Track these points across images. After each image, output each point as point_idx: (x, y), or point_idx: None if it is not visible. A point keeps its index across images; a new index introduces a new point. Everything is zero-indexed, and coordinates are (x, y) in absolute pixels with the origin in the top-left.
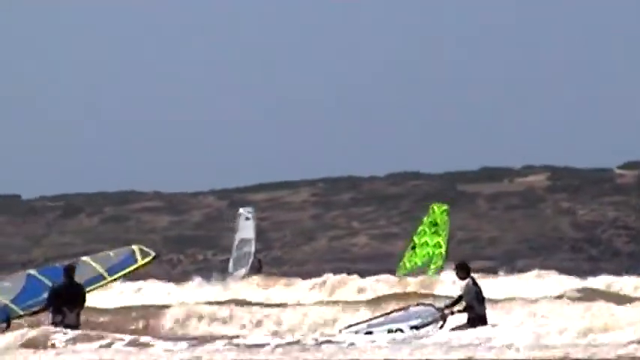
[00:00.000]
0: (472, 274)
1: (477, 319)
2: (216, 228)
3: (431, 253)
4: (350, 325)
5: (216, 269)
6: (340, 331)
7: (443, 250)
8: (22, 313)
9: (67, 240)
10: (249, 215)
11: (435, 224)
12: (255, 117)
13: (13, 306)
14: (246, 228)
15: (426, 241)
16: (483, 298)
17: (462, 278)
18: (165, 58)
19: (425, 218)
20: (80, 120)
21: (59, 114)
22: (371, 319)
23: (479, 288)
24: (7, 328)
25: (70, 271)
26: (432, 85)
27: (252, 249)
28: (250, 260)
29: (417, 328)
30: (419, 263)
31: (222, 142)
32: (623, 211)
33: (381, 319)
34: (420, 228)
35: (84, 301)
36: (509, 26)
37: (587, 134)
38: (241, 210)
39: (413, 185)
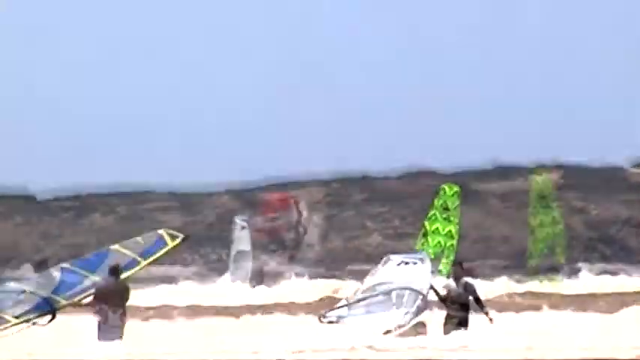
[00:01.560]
0: (465, 277)
1: (459, 321)
2: (229, 228)
3: (442, 243)
4: (331, 310)
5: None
6: (320, 318)
7: (455, 241)
8: (65, 302)
9: (81, 240)
10: (245, 224)
11: (447, 209)
12: (267, 117)
13: (55, 297)
14: (241, 239)
15: (438, 228)
16: (469, 302)
17: (456, 279)
18: (186, 59)
19: (435, 200)
20: (94, 119)
21: (72, 113)
22: (350, 302)
23: (470, 292)
24: (53, 319)
25: (115, 271)
26: (445, 82)
27: (249, 263)
28: (248, 273)
29: (403, 326)
30: (431, 255)
31: (236, 141)
32: (637, 210)
33: (362, 303)
34: (431, 212)
35: (126, 300)
36: (519, 21)
37: (600, 132)
38: (236, 219)
39: (426, 184)
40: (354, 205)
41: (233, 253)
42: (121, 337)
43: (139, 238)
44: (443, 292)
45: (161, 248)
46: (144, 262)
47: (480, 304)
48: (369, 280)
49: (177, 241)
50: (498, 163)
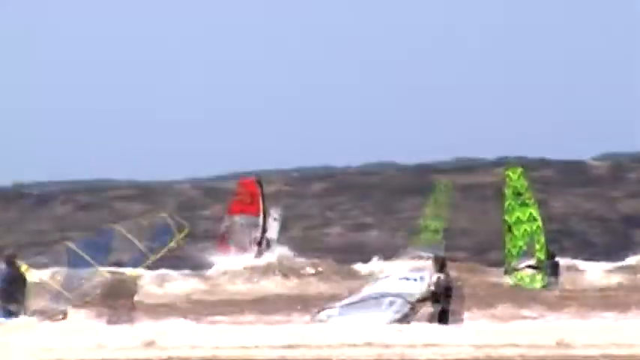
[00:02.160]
0: (446, 269)
1: (440, 314)
2: (190, 217)
3: (529, 229)
4: (321, 310)
5: (190, 258)
6: (312, 317)
7: (539, 222)
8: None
9: (42, 227)
10: (277, 216)
11: (519, 193)
12: (229, 107)
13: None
14: (272, 228)
15: (519, 217)
16: (450, 295)
17: (437, 271)
18: (140, 47)
19: (505, 190)
20: (54, 108)
21: (35, 102)
22: (342, 304)
23: (450, 285)
24: (65, 317)
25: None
26: (407, 75)
27: (273, 246)
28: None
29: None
30: (523, 246)
31: (197, 131)
32: (597, 203)
33: (353, 306)
34: (507, 203)
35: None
36: (490, 19)
37: (562, 126)
38: (271, 210)
39: (387, 176)
40: (315, 196)
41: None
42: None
43: (143, 221)
44: (432, 288)
45: (167, 239)
46: (152, 257)
47: (428, 299)
48: (366, 289)
49: (184, 233)
50: (459, 156)
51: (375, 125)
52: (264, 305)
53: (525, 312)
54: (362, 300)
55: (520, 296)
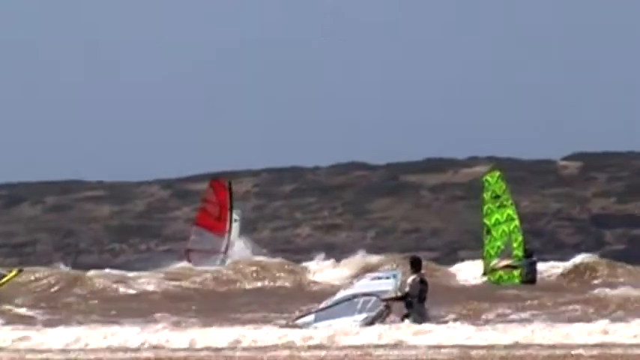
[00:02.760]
0: (422, 271)
1: (413, 316)
2: (159, 217)
3: (506, 229)
4: (298, 317)
5: (158, 259)
6: (289, 323)
7: (517, 222)
8: None
9: (10, 229)
10: (237, 218)
11: (497, 196)
12: (197, 108)
13: None
14: (234, 230)
15: (497, 219)
16: (425, 297)
17: (413, 273)
18: (112, 44)
19: (484, 195)
20: (23, 109)
21: (3, 104)
22: (318, 310)
23: (425, 286)
24: None
25: None
26: (376, 76)
27: (230, 252)
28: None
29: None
30: (501, 246)
31: (166, 132)
32: (566, 203)
33: (328, 311)
34: (486, 207)
35: None
36: (461, 16)
37: (531, 126)
38: (233, 212)
39: (356, 176)
40: (284, 196)
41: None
42: None
43: None
44: (406, 289)
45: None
46: None
47: (401, 299)
48: (341, 292)
49: (14, 273)
50: (429, 156)
51: (344, 125)
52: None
53: (497, 311)
54: (336, 303)
55: (492, 295)
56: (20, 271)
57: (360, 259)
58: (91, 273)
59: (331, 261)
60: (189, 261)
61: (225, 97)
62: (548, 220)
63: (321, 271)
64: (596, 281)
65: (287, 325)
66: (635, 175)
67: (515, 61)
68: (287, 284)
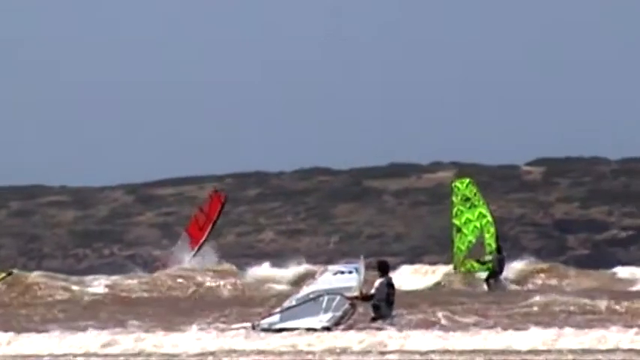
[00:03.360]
0: (389, 275)
1: (381, 319)
2: (122, 222)
3: (479, 225)
4: (263, 318)
5: (122, 264)
6: (254, 326)
7: (489, 217)
8: None
9: None
10: None
11: (467, 199)
12: (161, 112)
13: None
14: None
15: (468, 218)
16: (393, 301)
17: (380, 276)
18: (71, 49)
19: (453, 198)
20: None
21: None
22: (282, 310)
23: (392, 290)
24: None
25: None
26: (340, 81)
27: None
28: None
29: (328, 329)
30: (473, 240)
31: (129, 137)
32: (530, 208)
33: (293, 310)
34: (455, 209)
35: None
36: (418, 24)
37: (495, 131)
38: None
39: (320, 181)
40: (248, 201)
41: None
42: None
43: None
44: (372, 291)
45: None
46: None
47: (366, 299)
48: (304, 289)
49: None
50: (393, 161)
51: (308, 130)
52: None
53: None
54: (301, 302)
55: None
56: (10, 273)
57: (296, 267)
58: (34, 274)
59: (273, 268)
60: (164, 266)
61: (188, 102)
62: (511, 226)
63: (263, 277)
64: (532, 286)
65: (252, 327)
66: (597, 181)
67: (479, 66)
68: (225, 290)
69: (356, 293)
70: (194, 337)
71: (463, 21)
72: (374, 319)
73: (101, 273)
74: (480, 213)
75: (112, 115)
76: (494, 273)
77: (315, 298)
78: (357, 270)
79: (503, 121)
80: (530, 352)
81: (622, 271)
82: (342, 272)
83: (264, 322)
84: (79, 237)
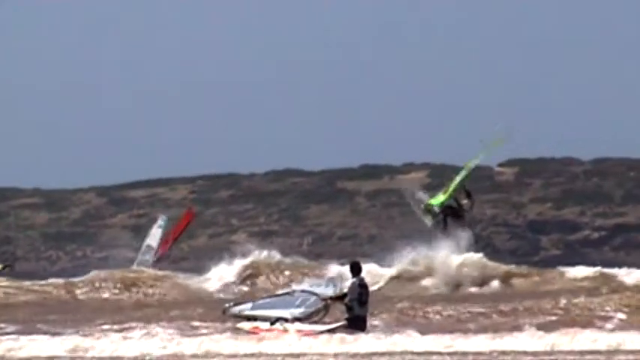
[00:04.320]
0: (362, 275)
1: (355, 320)
2: (95, 225)
3: (448, 190)
4: (235, 304)
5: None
6: (224, 311)
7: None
8: None
9: None
10: (162, 223)
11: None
12: (132, 114)
13: None
14: (154, 235)
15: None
16: (366, 301)
17: (353, 276)
18: (43, 55)
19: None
20: None
21: None
22: (255, 300)
23: (364, 290)
24: None
25: None
26: (313, 83)
27: (151, 258)
28: (149, 266)
29: (299, 320)
30: (444, 201)
31: (102, 139)
32: (503, 209)
33: (266, 301)
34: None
35: None
36: (387, 26)
37: (467, 131)
38: (159, 217)
39: (292, 182)
40: (220, 203)
41: (144, 245)
42: None
43: None
44: (344, 291)
45: None
46: None
47: (340, 299)
48: (280, 291)
49: None
50: (365, 162)
51: (280, 131)
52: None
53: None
54: (275, 296)
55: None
56: (6, 266)
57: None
58: None
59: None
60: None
61: (160, 104)
62: (484, 226)
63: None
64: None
65: (223, 312)
66: (570, 181)
67: (450, 67)
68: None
69: (331, 295)
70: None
71: (437, 21)
72: (348, 320)
73: (76, 276)
74: (445, 190)
75: (85, 117)
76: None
77: (290, 293)
78: (334, 284)
79: (476, 122)
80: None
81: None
82: (320, 285)
83: (235, 309)
84: (52, 239)
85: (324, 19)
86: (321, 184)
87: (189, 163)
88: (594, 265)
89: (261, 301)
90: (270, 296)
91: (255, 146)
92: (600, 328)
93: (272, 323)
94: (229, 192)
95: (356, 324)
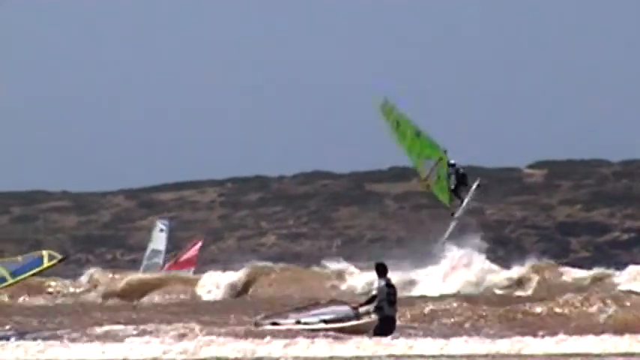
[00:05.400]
0: (388, 276)
1: (385, 320)
2: (124, 227)
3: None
4: (266, 317)
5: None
6: (256, 324)
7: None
8: None
9: None
10: (164, 227)
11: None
12: (162, 117)
13: None
14: (159, 239)
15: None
16: (395, 301)
17: (380, 277)
18: (76, 58)
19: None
20: None
21: None
22: (286, 312)
23: (392, 290)
24: None
25: None
26: (337, 86)
27: (160, 261)
28: (158, 269)
29: (325, 322)
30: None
31: (132, 142)
32: (532, 211)
33: (295, 313)
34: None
35: None
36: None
37: (496, 133)
38: (158, 221)
39: (321, 185)
40: (249, 205)
41: (148, 250)
42: None
43: (19, 257)
44: (373, 292)
45: (35, 267)
46: (11, 281)
47: (369, 302)
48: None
49: (54, 261)
50: (394, 164)
51: (308, 134)
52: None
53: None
54: (305, 307)
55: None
56: (64, 258)
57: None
58: None
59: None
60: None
61: (189, 107)
62: (513, 229)
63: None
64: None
65: (254, 325)
66: (599, 183)
67: (478, 68)
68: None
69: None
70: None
71: (461, 21)
72: (380, 322)
73: None
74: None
75: (113, 120)
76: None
77: (320, 304)
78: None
79: (505, 124)
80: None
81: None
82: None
83: (266, 321)
84: (81, 242)
85: (342, 20)
86: (350, 187)
87: (218, 166)
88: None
89: (290, 312)
90: (302, 307)
91: (283, 149)
92: None
93: (297, 323)
94: (258, 194)
95: (386, 324)
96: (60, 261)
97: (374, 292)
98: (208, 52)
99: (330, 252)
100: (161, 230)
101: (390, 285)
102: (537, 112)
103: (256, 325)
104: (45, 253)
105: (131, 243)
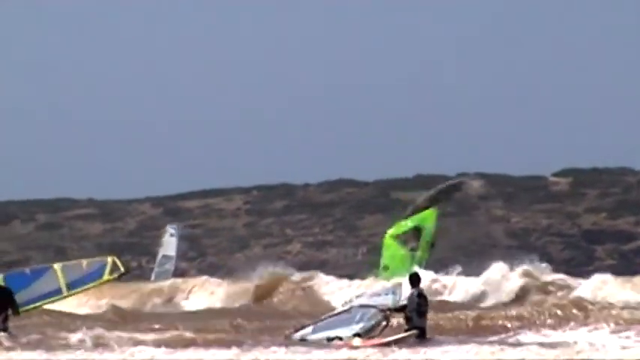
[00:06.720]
0: (421, 286)
1: (414, 331)
2: (150, 235)
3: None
4: (296, 330)
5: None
6: (287, 336)
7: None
8: None
9: (2, 247)
10: (174, 232)
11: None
12: (188, 125)
13: None
14: (169, 244)
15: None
16: (425, 312)
17: (412, 287)
18: (97, 61)
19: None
20: (11, 126)
21: None
22: (316, 322)
23: (423, 300)
24: None
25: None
26: (367, 92)
27: (172, 267)
28: (169, 275)
29: (359, 335)
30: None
31: (157, 149)
32: (557, 219)
33: (326, 322)
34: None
35: (9, 305)
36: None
37: (521, 141)
38: (168, 226)
39: (346, 193)
40: (274, 213)
41: (159, 256)
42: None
43: (84, 262)
44: (404, 302)
45: (94, 280)
46: (65, 294)
47: (400, 310)
48: (339, 308)
49: (115, 275)
50: (419, 172)
51: (333, 142)
52: None
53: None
54: (334, 315)
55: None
56: (125, 273)
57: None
58: None
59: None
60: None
61: (213, 115)
62: (538, 236)
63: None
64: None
65: (285, 338)
66: (625, 191)
67: (504, 76)
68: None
69: (391, 306)
70: None
71: (486, 28)
72: (407, 331)
73: None
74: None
75: (138, 127)
76: None
77: (348, 310)
78: (394, 292)
79: (530, 132)
80: None
81: None
82: (379, 294)
83: (297, 335)
84: (107, 250)
85: (348, 24)
86: (375, 194)
87: (243, 174)
88: None
89: (321, 323)
90: (330, 315)
91: (308, 157)
92: None
93: (329, 340)
94: (284, 202)
95: (420, 334)
96: (120, 276)
97: (404, 302)
98: (234, 61)
99: (355, 260)
100: (171, 235)
101: (421, 295)
102: (563, 120)
103: (286, 338)
104: (110, 260)
105: (157, 251)
